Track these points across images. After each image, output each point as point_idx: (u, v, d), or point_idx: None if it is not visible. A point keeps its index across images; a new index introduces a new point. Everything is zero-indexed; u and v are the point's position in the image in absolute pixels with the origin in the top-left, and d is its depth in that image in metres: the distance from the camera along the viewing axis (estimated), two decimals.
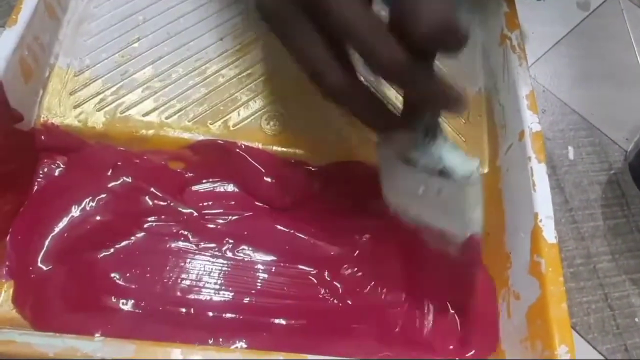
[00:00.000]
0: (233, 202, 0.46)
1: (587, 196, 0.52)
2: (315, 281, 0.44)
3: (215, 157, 0.46)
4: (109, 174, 0.45)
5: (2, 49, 0.42)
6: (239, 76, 0.49)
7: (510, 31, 0.49)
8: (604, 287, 0.48)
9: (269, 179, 0.46)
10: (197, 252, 0.44)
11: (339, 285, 0.44)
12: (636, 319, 0.47)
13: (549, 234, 0.39)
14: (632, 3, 0.65)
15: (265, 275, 0.43)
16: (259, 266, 0.44)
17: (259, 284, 0.43)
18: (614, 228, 0.50)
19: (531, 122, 0.44)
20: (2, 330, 0.32)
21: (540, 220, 0.40)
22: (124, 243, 0.43)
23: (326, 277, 0.44)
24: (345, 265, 0.44)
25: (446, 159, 0.37)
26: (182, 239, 0.44)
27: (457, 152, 0.37)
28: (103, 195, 0.44)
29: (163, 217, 0.44)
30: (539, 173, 0.42)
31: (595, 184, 0.52)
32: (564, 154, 0.53)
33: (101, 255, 0.42)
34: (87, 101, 0.46)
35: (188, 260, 0.43)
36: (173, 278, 0.42)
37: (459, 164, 0.37)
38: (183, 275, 0.43)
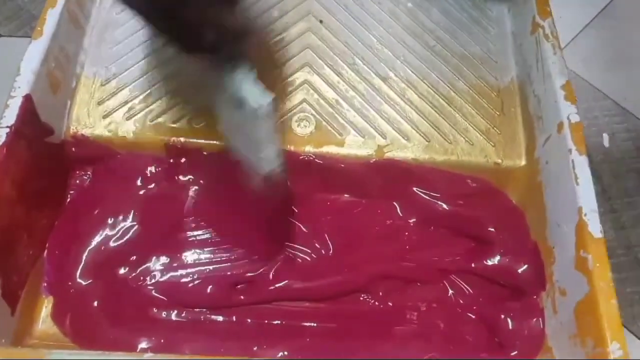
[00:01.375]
0: None
1: (624, 184, 0.51)
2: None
3: None
4: (139, 183, 0.45)
5: (30, 62, 0.41)
6: (265, 78, 0.47)
7: (543, 19, 0.47)
8: None
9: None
10: (235, 259, 0.43)
11: (378, 288, 0.44)
12: None
13: (595, 228, 0.38)
14: None
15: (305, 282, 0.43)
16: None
17: (299, 290, 0.43)
18: None
19: (569, 113, 0.43)
20: (52, 351, 0.32)
21: (585, 215, 0.39)
22: (161, 253, 0.43)
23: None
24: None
25: (241, 89, 0.37)
26: (220, 246, 0.44)
27: (255, 84, 0.38)
28: (137, 206, 0.44)
29: (201, 224, 0.44)
30: (581, 165, 0.41)
31: (632, 171, 0.51)
32: (599, 142, 0.52)
33: (140, 267, 0.42)
34: (116, 110, 0.46)
35: (228, 267, 0.43)
36: (212, 287, 0.42)
37: (252, 95, 0.37)
38: (223, 284, 0.42)
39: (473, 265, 0.44)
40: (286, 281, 0.43)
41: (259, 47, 0.41)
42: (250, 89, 0.37)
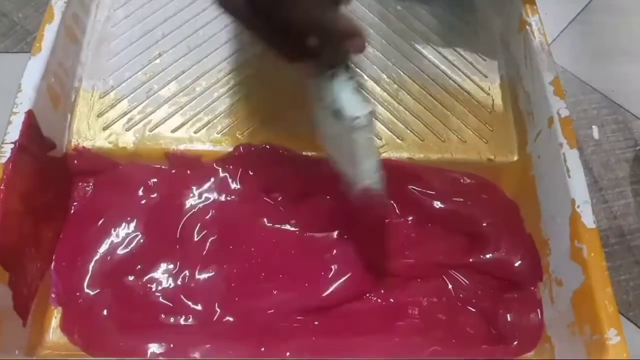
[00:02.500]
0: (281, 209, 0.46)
1: (615, 175, 0.52)
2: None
3: (254, 165, 0.46)
4: (141, 192, 0.46)
5: (30, 78, 0.42)
6: (263, 84, 0.49)
7: (530, 17, 0.49)
8: None
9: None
10: (238, 260, 0.44)
11: (380, 285, 0.45)
12: None
13: (588, 219, 0.40)
14: None
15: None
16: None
17: (303, 289, 0.44)
18: None
19: (559, 107, 0.44)
20: None
21: (578, 206, 0.40)
22: (166, 261, 0.44)
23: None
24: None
25: (339, 99, 0.36)
26: (223, 249, 0.45)
27: (354, 94, 0.36)
28: (140, 215, 0.45)
29: (202, 232, 0.45)
30: (572, 158, 0.42)
31: (622, 161, 0.52)
32: (589, 134, 0.54)
33: (146, 275, 0.43)
34: (115, 122, 0.46)
35: (233, 270, 0.44)
36: (219, 290, 0.43)
37: (350, 105, 0.36)
38: (227, 287, 0.43)
39: (471, 260, 0.45)
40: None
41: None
42: (348, 98, 0.36)
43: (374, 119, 0.36)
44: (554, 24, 0.60)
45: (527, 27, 0.48)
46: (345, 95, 0.36)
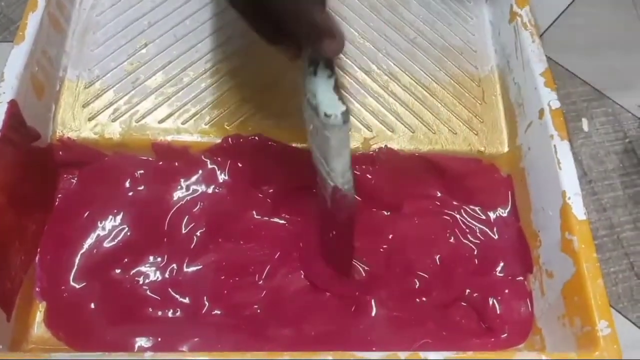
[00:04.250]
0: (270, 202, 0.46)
1: (604, 167, 0.52)
2: None
3: (243, 157, 0.46)
4: (127, 184, 0.45)
5: (13, 67, 0.41)
6: (251, 75, 0.48)
7: (520, 8, 0.48)
8: (629, 256, 0.48)
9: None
10: (226, 252, 0.44)
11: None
12: None
13: (579, 210, 0.39)
14: None
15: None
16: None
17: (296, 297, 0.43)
18: (634, 196, 0.51)
19: (550, 99, 0.44)
20: (52, 354, 0.32)
21: (569, 198, 0.40)
22: (153, 254, 0.43)
23: None
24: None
25: (317, 95, 0.36)
26: (211, 242, 0.44)
27: (332, 92, 0.36)
28: (126, 207, 0.44)
29: (190, 224, 0.44)
30: (563, 150, 0.42)
31: (611, 153, 0.52)
32: (578, 126, 0.54)
33: (134, 268, 0.42)
34: (101, 112, 0.46)
35: (222, 262, 0.43)
36: (207, 283, 0.43)
37: (326, 102, 0.36)
38: (215, 280, 0.43)
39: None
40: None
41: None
42: (325, 96, 0.36)
43: (349, 119, 0.36)
44: (544, 15, 0.60)
45: (518, 17, 0.48)
46: (322, 92, 0.36)
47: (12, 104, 0.40)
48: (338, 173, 0.39)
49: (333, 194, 0.39)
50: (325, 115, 0.36)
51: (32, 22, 0.43)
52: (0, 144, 0.38)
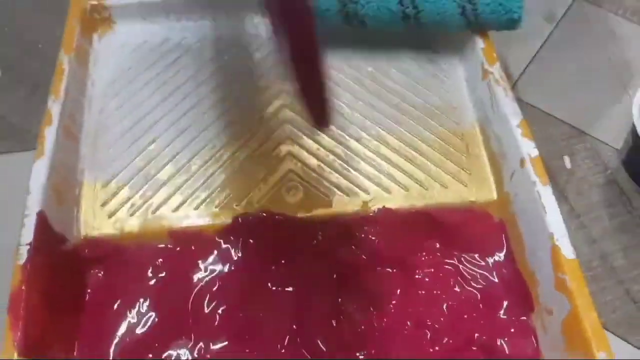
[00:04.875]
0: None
1: (590, 200, 0.55)
2: None
3: (253, 233, 0.49)
4: (150, 273, 0.49)
5: (37, 180, 0.45)
6: (252, 155, 0.53)
7: (491, 65, 0.53)
8: (623, 283, 0.51)
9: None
10: (248, 326, 0.47)
11: None
12: None
13: (567, 251, 0.43)
14: (593, 5, 0.69)
15: None
16: None
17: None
18: (621, 226, 0.54)
19: (528, 149, 0.48)
20: None
21: (557, 240, 0.43)
22: (180, 335, 0.46)
23: None
24: None
25: None
26: (234, 317, 0.47)
27: None
28: (151, 294, 0.47)
29: (212, 303, 0.47)
30: (546, 195, 0.45)
31: (595, 187, 0.56)
32: (561, 165, 0.57)
33: (165, 352, 0.45)
34: (119, 209, 0.50)
35: (245, 336, 0.46)
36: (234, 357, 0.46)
37: None
38: (241, 354, 0.46)
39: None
40: None
41: None
42: None
43: None
44: (517, 61, 0.64)
45: (490, 75, 0.52)
46: None
47: (40, 215, 0.44)
48: None
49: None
50: None
51: (49, 135, 0.48)
52: (34, 254, 0.42)
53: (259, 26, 0.60)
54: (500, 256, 0.50)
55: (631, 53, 0.65)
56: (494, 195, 0.51)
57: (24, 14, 0.70)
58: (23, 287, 0.41)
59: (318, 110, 0.41)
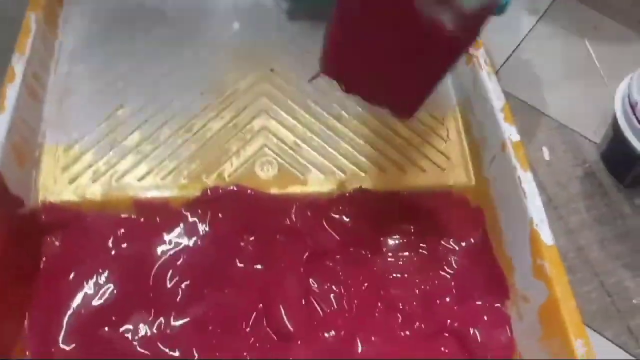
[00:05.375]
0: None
1: (568, 192, 0.55)
2: None
3: (223, 208, 0.47)
4: (110, 243, 0.46)
5: None
6: (226, 127, 0.50)
7: (476, 49, 0.51)
8: (599, 276, 0.51)
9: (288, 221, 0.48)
10: (212, 303, 0.45)
11: None
12: (634, 301, 0.50)
13: (546, 237, 0.42)
14: (576, 1, 0.69)
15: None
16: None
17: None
18: (598, 218, 0.54)
19: (510, 133, 0.46)
20: None
21: (536, 225, 0.42)
22: (141, 309, 0.44)
23: None
24: None
25: None
26: (197, 294, 0.45)
27: None
28: (111, 266, 0.45)
29: (175, 278, 0.45)
30: (527, 180, 0.44)
31: (573, 179, 0.55)
32: (540, 156, 0.57)
33: (122, 325, 0.43)
34: (81, 175, 0.47)
35: (209, 313, 0.44)
36: (195, 334, 0.43)
37: None
38: (203, 331, 0.44)
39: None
40: None
41: None
42: None
43: None
44: (499, 52, 0.64)
45: (474, 59, 0.51)
46: None
47: None
48: None
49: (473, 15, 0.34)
50: None
51: (11, 92, 0.45)
52: None
53: None
54: (476, 242, 0.48)
55: (612, 48, 0.65)
56: (472, 181, 0.50)
57: None
58: None
59: (407, 101, 0.41)
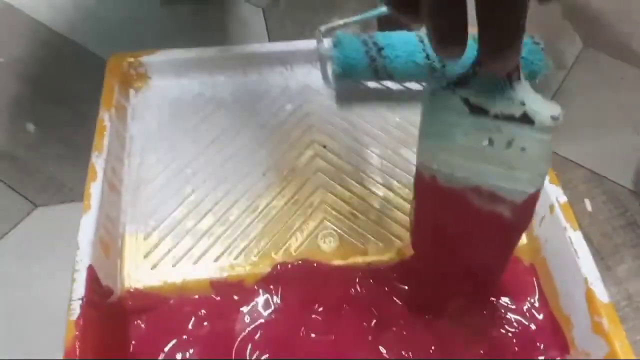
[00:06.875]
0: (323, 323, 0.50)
1: (613, 242, 0.57)
2: None
3: (292, 282, 0.51)
4: (192, 324, 0.50)
5: (86, 235, 0.46)
6: (288, 204, 0.54)
7: None
8: None
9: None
10: None
11: None
12: None
13: (602, 295, 0.44)
14: (600, 52, 0.72)
15: None
16: None
17: None
18: None
19: (557, 195, 0.50)
20: None
21: (591, 284, 0.45)
22: None
23: None
24: None
25: (530, 103, 0.33)
26: None
27: (537, 95, 0.34)
28: (195, 345, 0.48)
29: (255, 351, 0.48)
30: (578, 240, 0.47)
31: (617, 228, 0.58)
32: (583, 208, 0.59)
33: None
34: (161, 260, 0.51)
35: None
36: None
37: (544, 108, 0.33)
38: None
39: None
40: None
41: None
42: (537, 101, 0.33)
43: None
44: None
45: None
46: (533, 98, 0.33)
47: (90, 270, 0.45)
48: (545, 174, 0.36)
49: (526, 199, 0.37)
50: (550, 122, 0.33)
51: (95, 190, 0.49)
52: (86, 308, 0.43)
53: (289, 79, 0.63)
54: (533, 300, 0.51)
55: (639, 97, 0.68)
56: (524, 240, 0.53)
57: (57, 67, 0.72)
58: (77, 343, 0.41)
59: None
